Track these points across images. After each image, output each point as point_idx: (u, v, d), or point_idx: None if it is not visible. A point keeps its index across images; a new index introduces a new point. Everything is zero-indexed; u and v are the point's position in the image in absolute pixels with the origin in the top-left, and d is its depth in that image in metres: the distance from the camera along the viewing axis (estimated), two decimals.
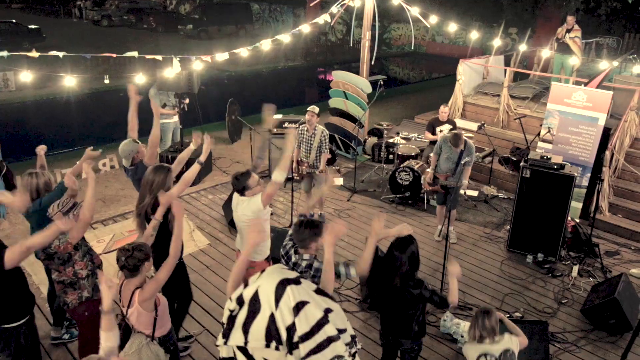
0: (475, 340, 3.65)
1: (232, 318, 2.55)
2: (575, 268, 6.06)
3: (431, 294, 3.55)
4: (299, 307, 2.44)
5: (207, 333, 4.90)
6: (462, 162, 6.30)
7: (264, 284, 2.52)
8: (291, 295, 2.45)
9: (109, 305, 2.86)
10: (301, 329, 2.41)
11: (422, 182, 7.04)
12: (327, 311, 2.52)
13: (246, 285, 2.69)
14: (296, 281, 2.52)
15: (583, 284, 5.89)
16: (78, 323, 3.97)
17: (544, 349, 4.61)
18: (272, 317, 2.43)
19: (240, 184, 4.17)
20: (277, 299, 2.44)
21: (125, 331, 3.40)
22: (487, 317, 3.63)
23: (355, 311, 5.31)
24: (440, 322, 5.11)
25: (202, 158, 4.45)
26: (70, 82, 6.23)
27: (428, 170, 6.75)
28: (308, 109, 6.68)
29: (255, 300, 2.50)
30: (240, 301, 2.56)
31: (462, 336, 4.95)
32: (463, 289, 5.80)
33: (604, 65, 8.19)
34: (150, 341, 3.35)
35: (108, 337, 2.84)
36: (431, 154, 7.85)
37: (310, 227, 3.40)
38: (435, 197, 6.98)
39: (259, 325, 2.45)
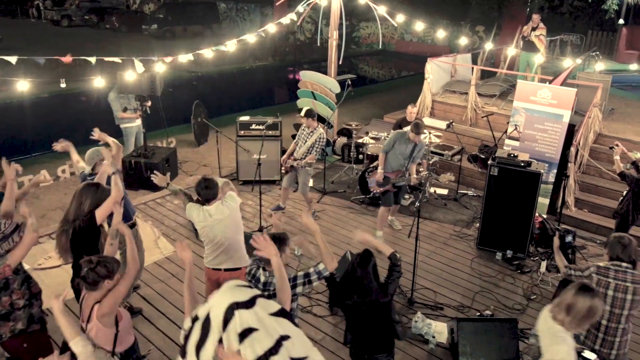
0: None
1: (185, 339, 2.43)
2: (544, 264, 6.12)
3: (395, 280, 3.55)
4: (245, 334, 2.30)
5: (172, 344, 4.73)
6: (414, 155, 6.31)
7: (216, 305, 2.39)
8: (238, 320, 2.31)
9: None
10: (246, 358, 2.28)
11: (370, 183, 6.73)
12: (281, 339, 2.34)
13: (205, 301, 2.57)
14: (247, 304, 2.37)
15: (551, 279, 5.95)
16: (14, 355, 3.65)
17: (514, 347, 4.62)
18: (220, 341, 2.32)
19: (212, 192, 4.05)
20: (226, 323, 2.32)
21: None
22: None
23: (325, 315, 5.23)
24: (412, 323, 5.07)
25: (113, 168, 4.30)
26: (23, 86, 5.94)
27: (378, 170, 6.53)
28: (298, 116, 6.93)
29: (206, 324, 2.38)
30: (194, 319, 2.44)
31: (433, 337, 4.92)
32: (434, 288, 5.79)
33: (568, 62, 8.31)
34: (110, 357, 3.17)
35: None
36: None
37: (276, 242, 3.33)
38: (382, 198, 6.61)
39: (209, 349, 2.33)
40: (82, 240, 3.79)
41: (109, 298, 3.10)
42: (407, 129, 7.49)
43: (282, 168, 6.96)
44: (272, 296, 3.37)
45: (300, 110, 9.68)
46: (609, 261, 3.72)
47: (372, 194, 7.28)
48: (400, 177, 6.39)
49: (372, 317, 3.49)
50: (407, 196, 7.57)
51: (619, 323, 3.63)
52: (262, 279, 3.44)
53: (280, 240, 3.40)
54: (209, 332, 2.34)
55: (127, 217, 4.78)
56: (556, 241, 4.40)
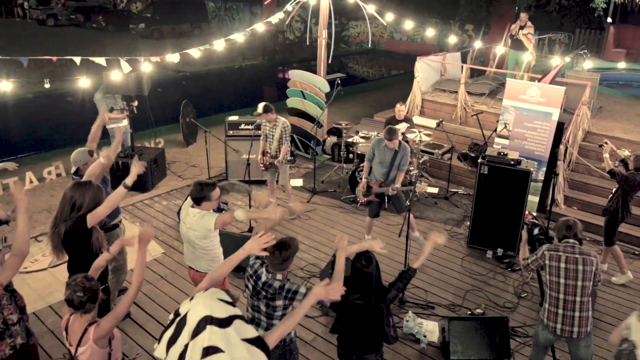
0: None
1: (163, 331, 2.41)
2: None
3: (398, 289, 3.55)
4: (208, 351, 2.25)
5: None
6: (397, 163, 5.97)
7: (194, 309, 2.35)
8: (207, 336, 2.27)
9: None
10: None
11: (356, 193, 6.44)
12: None
13: (191, 299, 2.53)
14: (222, 322, 2.32)
15: (542, 277, 5.95)
16: None
17: (505, 345, 4.62)
18: (185, 347, 2.28)
19: (202, 194, 3.92)
20: (195, 333, 2.28)
21: None
22: None
23: (316, 316, 5.19)
24: (403, 322, 5.04)
25: (129, 181, 4.05)
26: (6, 87, 5.82)
27: (363, 179, 6.26)
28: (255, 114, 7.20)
29: (182, 323, 2.34)
30: (176, 314, 2.40)
31: (424, 336, 4.90)
32: (425, 287, 5.78)
33: (557, 61, 8.34)
34: None
35: None
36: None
37: (289, 246, 3.30)
38: (368, 208, 6.43)
39: (176, 349, 2.31)
40: (74, 241, 3.74)
41: (109, 320, 2.99)
42: (402, 127, 7.47)
43: (261, 166, 6.97)
44: (269, 298, 3.33)
45: (289, 109, 9.66)
46: (558, 242, 4.04)
47: (358, 204, 7.22)
48: (381, 185, 6.10)
49: (366, 318, 3.46)
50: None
51: (575, 295, 3.85)
52: (264, 278, 3.34)
53: (292, 247, 3.33)
54: (180, 333, 2.31)
55: (105, 222, 4.68)
56: (524, 235, 4.46)
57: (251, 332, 2.41)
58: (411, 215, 6.25)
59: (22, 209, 3.26)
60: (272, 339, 2.62)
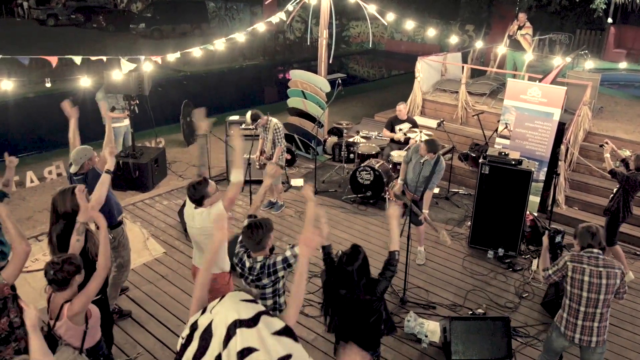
0: None
1: (183, 347, 2.36)
2: (535, 262, 6.13)
3: (387, 279, 3.55)
4: (243, 353, 2.24)
5: (162, 346, 4.67)
6: (426, 175, 5.75)
7: (218, 318, 2.32)
8: (239, 339, 2.25)
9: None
10: None
11: (389, 188, 6.40)
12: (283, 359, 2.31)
13: (204, 311, 2.51)
14: (250, 322, 2.31)
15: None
16: None
17: (507, 345, 4.62)
18: (218, 358, 2.26)
19: (198, 193, 3.93)
20: (227, 340, 2.26)
21: (50, 342, 3.18)
22: None
23: (317, 315, 5.19)
24: (404, 322, 5.04)
25: (109, 166, 4.16)
26: (7, 86, 5.82)
27: (398, 180, 6.23)
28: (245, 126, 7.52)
29: (207, 335, 2.30)
30: (193, 328, 2.36)
31: (426, 336, 4.90)
32: (426, 287, 5.77)
33: (558, 61, 8.34)
34: (78, 354, 3.19)
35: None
36: (391, 153, 7.81)
37: (262, 226, 3.39)
38: (387, 206, 6.38)
39: None
40: (67, 241, 3.72)
41: (80, 298, 3.11)
42: (405, 127, 7.43)
43: (257, 166, 7.07)
44: (256, 280, 3.46)
45: (290, 109, 9.66)
46: (580, 250, 3.88)
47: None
48: (414, 200, 5.77)
49: (356, 313, 3.47)
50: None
51: (596, 308, 3.77)
52: (247, 264, 3.49)
53: (265, 226, 3.40)
54: (209, 345, 2.28)
55: (112, 219, 4.69)
56: (545, 241, 4.32)
57: (279, 323, 2.41)
58: (422, 227, 6.13)
59: (4, 215, 3.33)
60: (291, 320, 2.65)
